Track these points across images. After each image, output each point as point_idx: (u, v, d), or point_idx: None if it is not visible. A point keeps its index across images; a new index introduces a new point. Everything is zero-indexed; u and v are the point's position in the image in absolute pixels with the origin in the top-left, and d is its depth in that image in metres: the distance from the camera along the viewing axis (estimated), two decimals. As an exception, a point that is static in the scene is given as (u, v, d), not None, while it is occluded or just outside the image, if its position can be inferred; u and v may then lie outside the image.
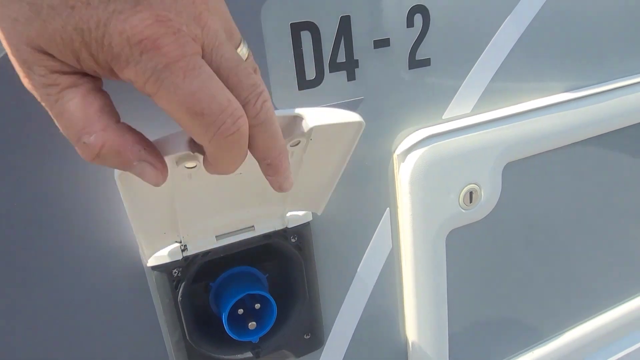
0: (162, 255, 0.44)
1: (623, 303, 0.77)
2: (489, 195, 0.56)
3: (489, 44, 0.53)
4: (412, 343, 0.60)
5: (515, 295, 0.66)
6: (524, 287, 0.66)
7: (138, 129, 0.29)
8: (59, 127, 0.27)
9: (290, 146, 0.39)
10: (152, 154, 0.28)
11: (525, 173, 0.60)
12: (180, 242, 0.45)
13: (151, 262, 0.44)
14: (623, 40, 0.62)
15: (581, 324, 0.74)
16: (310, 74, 0.46)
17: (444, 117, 0.54)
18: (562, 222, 0.66)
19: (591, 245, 0.70)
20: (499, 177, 0.57)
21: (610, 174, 0.67)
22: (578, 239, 0.68)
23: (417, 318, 0.58)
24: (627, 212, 0.71)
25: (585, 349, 0.75)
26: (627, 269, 0.76)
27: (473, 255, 0.61)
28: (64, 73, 0.25)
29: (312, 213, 0.50)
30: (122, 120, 0.28)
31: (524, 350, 0.71)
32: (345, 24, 0.46)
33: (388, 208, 0.54)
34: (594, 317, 0.75)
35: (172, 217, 0.42)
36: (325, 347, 0.56)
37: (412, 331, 0.59)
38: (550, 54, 0.57)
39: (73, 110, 0.25)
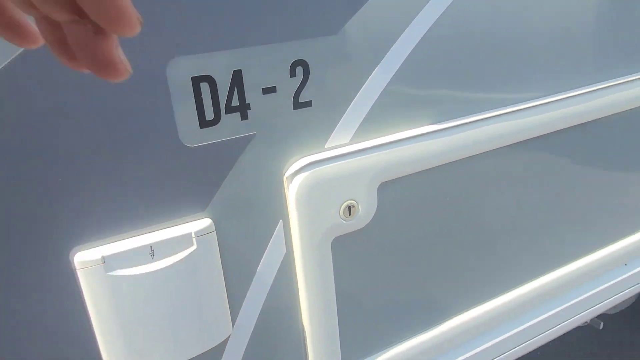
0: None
1: (488, 300, 0.92)
2: (366, 209, 0.70)
3: (363, 87, 0.67)
4: (308, 332, 0.73)
5: (398, 290, 0.80)
6: (406, 281, 0.80)
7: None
8: None
9: None
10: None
11: (399, 190, 0.73)
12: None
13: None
14: (484, 76, 0.77)
15: (460, 314, 0.89)
16: (209, 115, 0.58)
17: (325, 146, 0.66)
18: (434, 229, 0.80)
19: (462, 243, 0.84)
20: (374, 194, 0.70)
21: (467, 190, 0.82)
22: (451, 240, 0.83)
23: (310, 310, 0.71)
24: (492, 218, 0.86)
25: (464, 335, 0.90)
26: (497, 264, 0.91)
27: (360, 257, 0.74)
28: None
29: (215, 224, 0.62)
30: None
31: (409, 336, 0.85)
32: (237, 76, 0.58)
33: (281, 220, 0.66)
34: (467, 310, 0.90)
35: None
36: (231, 336, 0.68)
37: (307, 322, 0.72)
38: (415, 96, 0.71)
39: None
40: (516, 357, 1.03)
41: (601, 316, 1.54)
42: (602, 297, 1.11)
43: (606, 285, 1.10)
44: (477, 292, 0.91)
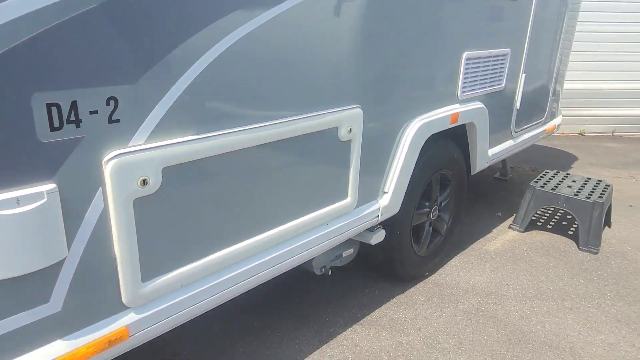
0: None
1: (238, 242, 1.51)
2: (154, 182, 1.20)
3: (154, 109, 1.17)
4: (118, 257, 1.20)
5: (179, 230, 1.32)
6: (184, 224, 1.33)
7: None
8: None
9: None
10: None
11: (176, 171, 1.26)
12: None
13: None
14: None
15: (220, 250, 1.45)
16: (56, 124, 1.02)
17: (129, 144, 1.15)
18: (201, 194, 1.34)
19: (220, 204, 1.41)
20: (159, 174, 1.21)
21: (222, 174, 1.39)
22: (214, 201, 1.38)
23: (119, 242, 1.18)
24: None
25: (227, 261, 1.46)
26: (243, 218, 1.51)
27: (155, 209, 1.24)
28: None
29: (58, 189, 1.05)
30: None
31: (191, 261, 1.37)
32: (74, 104, 1.04)
33: (101, 187, 1.13)
34: (226, 247, 1.47)
35: None
36: (67, 257, 1.11)
37: (117, 250, 1.19)
38: (188, 114, 1.25)
39: None
40: (264, 279, 1.63)
41: (333, 268, 2.29)
42: (316, 243, 1.80)
43: (317, 235, 1.79)
44: (230, 236, 1.48)
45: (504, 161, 4.39)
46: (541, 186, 3.28)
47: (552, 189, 3.24)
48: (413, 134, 2.11)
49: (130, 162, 1.15)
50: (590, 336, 2.23)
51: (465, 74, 2.41)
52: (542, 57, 3.25)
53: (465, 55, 2.35)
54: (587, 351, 2.13)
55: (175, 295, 1.35)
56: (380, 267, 2.55)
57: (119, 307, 1.24)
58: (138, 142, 1.17)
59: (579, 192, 3.20)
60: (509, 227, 3.38)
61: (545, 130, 3.66)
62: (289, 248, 1.69)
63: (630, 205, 3.89)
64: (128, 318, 1.26)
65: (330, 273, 2.23)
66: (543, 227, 3.39)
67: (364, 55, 1.77)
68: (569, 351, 2.12)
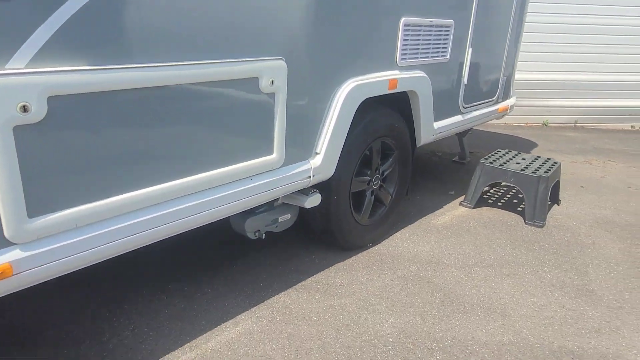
0: None
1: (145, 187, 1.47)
2: (37, 109, 1.16)
3: (35, 32, 1.13)
4: (1, 202, 1.15)
5: (67, 160, 1.27)
6: (72, 154, 1.28)
7: None
8: None
9: None
10: None
11: (64, 100, 1.21)
12: None
13: None
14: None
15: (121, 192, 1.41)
16: None
17: (5, 67, 1.10)
18: (89, 125, 1.30)
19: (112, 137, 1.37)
20: (44, 102, 1.17)
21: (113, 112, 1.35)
22: (106, 133, 1.34)
23: (1, 181, 1.13)
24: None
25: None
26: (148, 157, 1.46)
27: (42, 138, 1.19)
28: None
29: None
30: None
31: (81, 202, 1.32)
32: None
33: (-27, 110, 1.08)
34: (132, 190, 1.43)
35: None
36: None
37: (1, 192, 1.14)
38: (75, 41, 1.20)
39: None
40: (178, 230, 1.59)
41: (269, 233, 2.26)
42: (239, 197, 1.77)
43: (239, 189, 1.76)
44: (135, 180, 1.44)
45: (462, 145, 4.42)
46: (490, 162, 3.31)
47: (501, 165, 3.26)
48: (345, 95, 2.09)
49: (7, 85, 1.10)
50: (522, 299, 2.24)
51: (405, 40, 2.41)
52: (491, 35, 3.28)
53: (403, 20, 2.35)
54: (518, 312, 2.14)
55: (69, 236, 1.31)
56: (319, 235, 2.53)
57: (2, 242, 1.19)
58: (17, 65, 1.12)
59: (526, 168, 3.23)
60: (460, 204, 3.39)
61: (497, 109, 3.69)
62: (207, 199, 1.65)
63: (582, 186, 3.95)
64: (12, 254, 1.20)
65: (264, 237, 2.20)
66: (494, 205, 3.42)
67: (290, 8, 1.75)
68: (499, 312, 2.13)
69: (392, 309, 2.10)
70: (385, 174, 2.68)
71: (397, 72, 2.42)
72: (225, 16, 1.55)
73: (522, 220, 3.16)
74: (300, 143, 2.00)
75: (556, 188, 3.50)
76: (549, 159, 3.50)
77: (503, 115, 3.88)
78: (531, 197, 3.12)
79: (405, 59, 2.45)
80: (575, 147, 5.30)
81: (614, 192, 3.85)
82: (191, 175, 1.60)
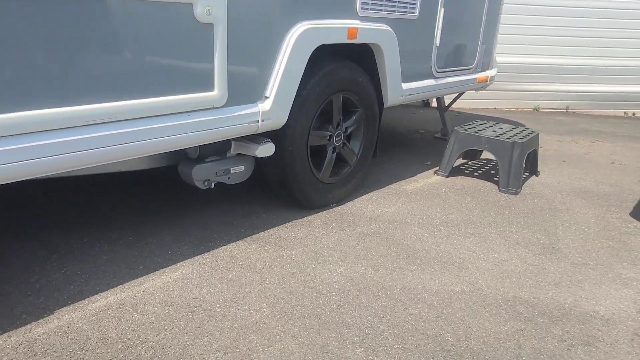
0: None
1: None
2: None
3: None
4: None
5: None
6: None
7: None
8: None
9: None
10: None
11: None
12: None
13: None
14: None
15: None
16: None
17: None
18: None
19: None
20: None
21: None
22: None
23: None
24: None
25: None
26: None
27: None
28: None
29: None
30: None
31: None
32: None
33: None
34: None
35: None
36: None
37: None
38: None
39: None
40: (105, 159, 1.51)
41: (226, 186, 2.18)
42: (175, 132, 1.68)
43: (175, 123, 1.68)
44: (45, 96, 1.36)
45: (443, 120, 4.33)
46: (465, 130, 3.21)
47: (475, 132, 3.17)
48: (297, 38, 2.00)
49: None
50: (483, 254, 2.15)
51: (366, -11, 2.33)
52: (467, 0, 3.19)
53: (363, -34, 2.27)
54: (476, 265, 2.05)
55: (-31, 146, 1.23)
56: (277, 189, 2.44)
57: None
58: None
59: (502, 134, 3.14)
60: (435, 173, 3.30)
61: (476, 79, 3.59)
62: (133, 129, 1.57)
63: (564, 161, 3.85)
64: None
65: (213, 186, 2.11)
66: (470, 175, 3.32)
67: None
68: (457, 265, 2.04)
69: (343, 260, 2.01)
70: (349, 131, 2.59)
71: (357, 21, 2.33)
72: None
73: (497, 188, 3.07)
74: (247, 83, 1.92)
75: (534, 158, 3.41)
76: (527, 128, 3.40)
77: (483, 87, 3.79)
78: (505, 163, 3.03)
79: (366, 9, 2.37)
80: (563, 129, 5.20)
81: (597, 166, 3.75)
82: (114, 100, 1.52)
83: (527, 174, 3.41)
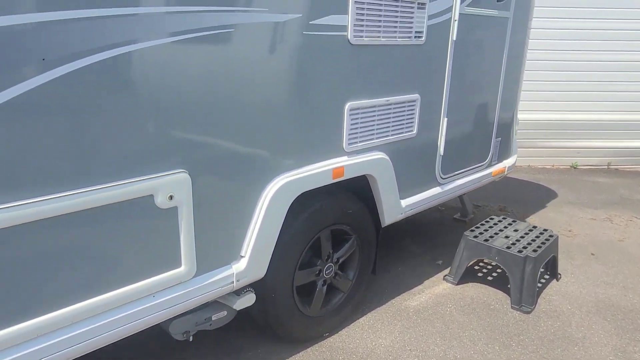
0: None
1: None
2: None
3: None
4: None
5: None
6: None
7: None
8: None
9: None
10: None
11: None
12: None
13: None
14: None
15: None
16: None
17: None
18: None
19: None
20: None
21: None
22: None
23: None
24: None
25: None
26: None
27: None
28: None
29: None
30: None
31: None
32: None
33: None
34: None
35: None
36: None
37: None
38: None
39: None
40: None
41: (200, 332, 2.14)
42: (137, 317, 1.67)
43: (138, 309, 1.66)
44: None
45: (462, 201, 4.15)
46: (474, 236, 3.05)
47: (485, 240, 3.00)
48: (273, 195, 1.96)
49: None
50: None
51: (353, 124, 2.26)
52: (474, 99, 3.05)
53: (348, 106, 2.20)
54: None
55: None
56: (262, 329, 2.38)
57: None
58: None
59: (515, 244, 2.95)
60: (444, 279, 3.15)
61: (490, 173, 3.43)
62: (96, 325, 1.56)
63: (593, 254, 3.58)
64: None
65: (191, 339, 2.08)
66: (482, 279, 3.15)
67: (189, 116, 1.66)
68: None
69: None
70: (341, 260, 2.51)
71: (344, 158, 2.27)
72: (108, 145, 1.48)
73: (509, 302, 2.87)
74: (218, 250, 1.88)
75: (554, 263, 3.18)
76: (546, 230, 3.19)
77: (501, 177, 3.61)
78: (517, 279, 2.84)
79: (354, 143, 2.30)
80: (600, 198, 4.87)
81: (630, 261, 3.45)
82: (72, 304, 1.52)
83: (547, 277, 3.19)
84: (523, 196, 4.87)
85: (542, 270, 2.99)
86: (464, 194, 3.99)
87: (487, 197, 4.76)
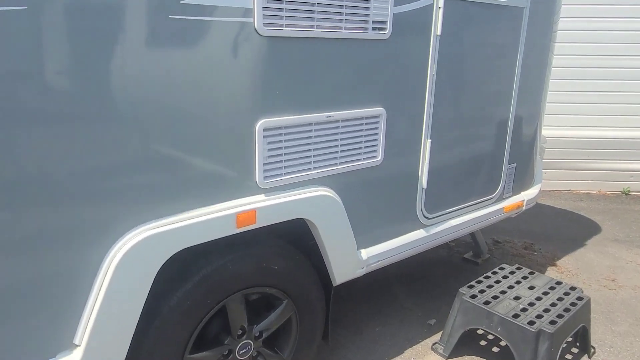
0: None
1: None
2: None
3: None
4: None
5: None
6: None
7: None
8: None
9: None
10: None
11: None
12: None
13: None
14: None
15: None
16: None
17: None
18: None
19: None
20: None
21: None
22: None
23: None
24: None
25: None
26: None
27: None
28: None
29: None
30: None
31: None
32: None
33: None
34: None
35: None
36: None
37: None
38: None
39: None
40: None
41: None
42: None
43: None
44: None
45: (475, 238, 3.35)
46: (472, 296, 2.28)
47: (486, 303, 2.23)
48: (123, 256, 1.32)
49: None
50: None
51: (272, 150, 1.59)
52: (474, 114, 2.31)
53: (261, 124, 1.54)
54: None
55: None
56: None
57: None
58: None
59: (527, 309, 2.16)
60: (432, 347, 2.39)
61: (502, 208, 2.65)
62: None
63: (641, 317, 2.71)
64: None
65: None
66: (483, 352, 2.37)
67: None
68: None
69: None
70: (264, 334, 1.82)
71: (258, 197, 1.60)
72: None
73: (516, 391, 2.09)
74: (25, 341, 1.26)
75: (585, 334, 2.36)
76: (574, 289, 2.37)
77: (517, 213, 2.81)
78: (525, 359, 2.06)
79: (275, 176, 1.63)
80: (656, 237, 3.92)
81: (692, 333, 2.57)
82: None
83: (575, 351, 2.37)
84: (557, 230, 3.99)
85: (568, 340, 2.19)
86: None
87: (511, 231, 3.92)
